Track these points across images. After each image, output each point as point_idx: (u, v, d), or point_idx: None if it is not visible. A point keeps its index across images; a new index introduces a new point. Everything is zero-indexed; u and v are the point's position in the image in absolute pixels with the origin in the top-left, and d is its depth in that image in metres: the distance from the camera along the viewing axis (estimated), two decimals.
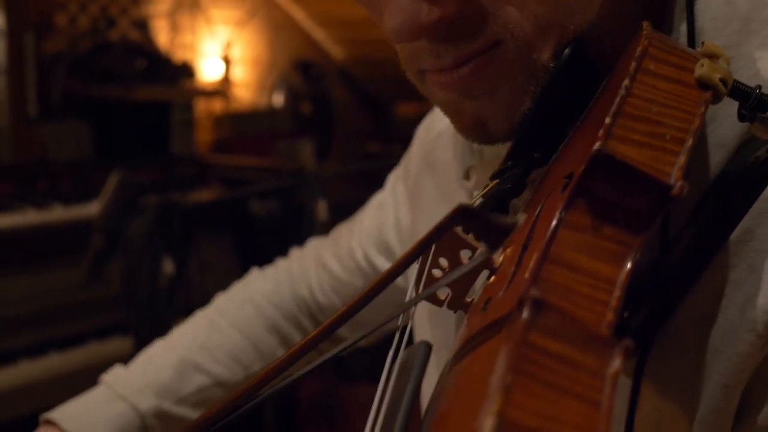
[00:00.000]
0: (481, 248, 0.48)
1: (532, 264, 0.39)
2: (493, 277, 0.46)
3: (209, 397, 1.00)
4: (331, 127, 3.04)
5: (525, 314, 0.34)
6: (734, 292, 0.52)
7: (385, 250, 0.98)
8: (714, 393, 0.53)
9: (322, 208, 1.84)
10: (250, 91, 3.11)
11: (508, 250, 0.46)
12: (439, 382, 0.45)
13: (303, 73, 3.10)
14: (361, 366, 2.32)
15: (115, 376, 1.01)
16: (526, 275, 0.38)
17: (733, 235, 0.52)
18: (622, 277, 0.38)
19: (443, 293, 0.54)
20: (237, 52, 3.09)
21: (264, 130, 2.95)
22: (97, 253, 1.78)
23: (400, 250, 0.93)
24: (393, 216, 0.97)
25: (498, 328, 0.37)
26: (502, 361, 0.34)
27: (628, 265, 0.39)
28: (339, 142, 3.06)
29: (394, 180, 0.99)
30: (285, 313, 1.07)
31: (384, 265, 0.96)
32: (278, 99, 3.09)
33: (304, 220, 1.87)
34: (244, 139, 2.91)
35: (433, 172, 0.87)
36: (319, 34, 3.19)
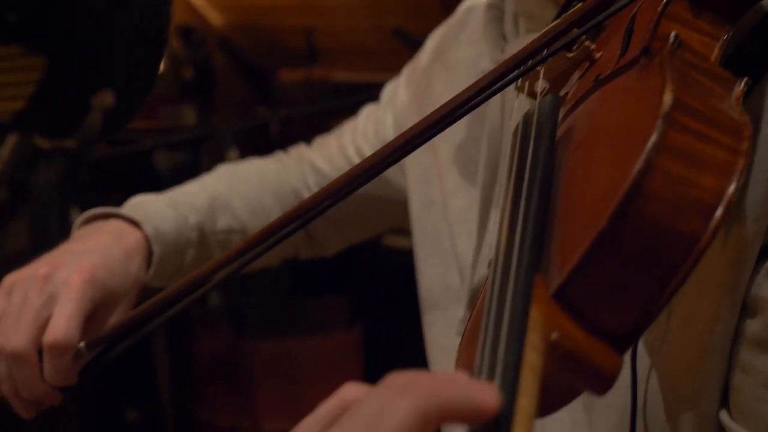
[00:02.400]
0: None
1: (653, 21, 0.49)
2: (592, 67, 0.55)
3: (231, 240, 1.01)
4: (213, 93, 3.02)
5: (671, 40, 0.45)
6: None
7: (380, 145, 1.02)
8: None
9: (233, 158, 1.85)
10: None
11: (609, 44, 0.56)
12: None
13: (183, 38, 3.06)
14: (259, 319, 2.35)
15: (151, 196, 1.00)
16: (649, 30, 0.49)
17: None
18: (723, 37, 0.52)
19: (541, 87, 0.61)
20: None
21: None
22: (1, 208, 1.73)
23: (410, 160, 0.98)
24: (392, 116, 1.02)
25: (638, 62, 0.48)
26: (659, 76, 0.44)
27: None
28: (222, 108, 3.05)
29: (393, 88, 1.04)
30: (283, 196, 1.09)
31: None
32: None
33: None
34: None
35: (446, 71, 0.92)
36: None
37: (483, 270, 0.84)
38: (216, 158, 1.82)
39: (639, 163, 0.42)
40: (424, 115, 0.95)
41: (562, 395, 0.46)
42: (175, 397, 2.20)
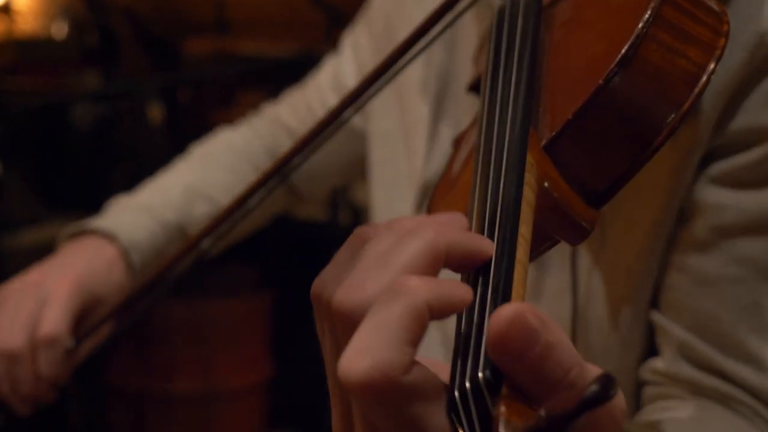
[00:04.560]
0: None
1: None
2: None
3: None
4: (117, 60, 2.98)
5: None
6: None
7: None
8: None
9: (156, 112, 1.84)
10: (34, 18, 2.99)
11: None
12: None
13: (87, 3, 3.01)
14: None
15: (127, 199, 1.04)
16: None
17: None
18: None
19: None
20: None
21: (48, 58, 2.85)
22: None
23: (377, 104, 1.00)
24: (354, 64, 1.04)
25: None
26: None
27: None
28: (126, 75, 3.01)
29: (352, 36, 1.06)
30: (258, 162, 1.11)
31: (346, 114, 1.02)
32: (62, 28, 2.99)
33: (136, 126, 1.87)
34: (28, 67, 2.79)
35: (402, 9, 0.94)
36: None
37: (429, 175, 0.87)
38: (137, 113, 1.81)
39: (636, 31, 0.47)
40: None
41: (539, 244, 0.50)
42: (83, 360, 2.18)
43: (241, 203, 0.78)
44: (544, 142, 0.49)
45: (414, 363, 0.37)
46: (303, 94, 1.11)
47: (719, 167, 0.66)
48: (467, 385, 0.37)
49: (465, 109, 0.85)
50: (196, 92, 2.70)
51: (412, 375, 0.36)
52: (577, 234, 0.49)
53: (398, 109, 0.94)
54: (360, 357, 0.36)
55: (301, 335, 2.52)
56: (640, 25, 0.48)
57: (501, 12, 0.62)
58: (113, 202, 1.04)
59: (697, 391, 0.69)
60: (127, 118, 1.91)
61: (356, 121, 1.02)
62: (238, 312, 2.34)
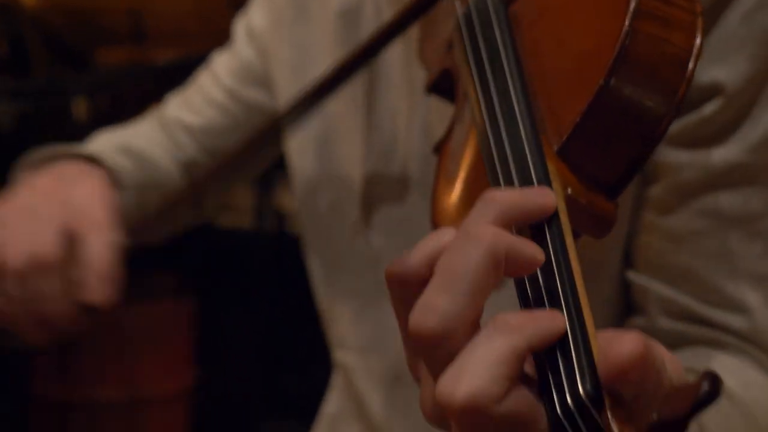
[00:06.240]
0: None
1: None
2: None
3: (147, 182, 1.01)
4: (29, 70, 2.93)
5: None
6: None
7: (250, 78, 1.03)
8: None
9: (80, 108, 1.78)
10: None
11: None
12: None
13: None
14: None
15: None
16: None
17: None
18: None
19: None
20: None
21: None
22: None
23: (265, 74, 0.99)
24: (252, 49, 1.01)
25: None
26: None
27: None
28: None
29: (243, 23, 1.04)
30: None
31: (258, 96, 1.02)
32: None
33: (61, 124, 1.82)
34: None
35: None
36: None
37: (373, 165, 0.88)
38: (62, 109, 1.77)
39: (624, 28, 0.50)
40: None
41: None
42: (4, 370, 2.14)
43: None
44: (556, 147, 0.50)
45: (511, 390, 0.39)
46: (203, 93, 1.05)
47: (673, 128, 0.71)
48: (569, 401, 0.39)
49: (406, 95, 0.86)
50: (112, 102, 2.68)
51: (506, 404, 0.39)
52: (602, 228, 0.51)
53: (317, 116, 0.92)
54: (458, 385, 0.39)
55: (225, 342, 2.52)
56: (627, 20, 0.50)
57: (467, 17, 0.63)
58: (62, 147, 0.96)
59: (683, 341, 0.73)
60: (50, 115, 1.87)
61: (260, 97, 1.00)
62: (159, 318, 2.33)
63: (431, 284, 0.42)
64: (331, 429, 1.00)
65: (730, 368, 0.71)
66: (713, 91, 0.69)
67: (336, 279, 0.95)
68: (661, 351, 0.41)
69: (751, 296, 0.71)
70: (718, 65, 0.69)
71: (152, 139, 1.04)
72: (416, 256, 0.44)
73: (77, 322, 0.80)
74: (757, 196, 0.71)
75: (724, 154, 0.70)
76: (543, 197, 0.46)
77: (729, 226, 0.71)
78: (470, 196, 0.55)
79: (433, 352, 0.41)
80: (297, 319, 2.45)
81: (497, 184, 0.51)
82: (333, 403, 1.01)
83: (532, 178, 0.49)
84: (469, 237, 0.42)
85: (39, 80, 2.05)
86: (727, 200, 0.71)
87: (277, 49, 0.96)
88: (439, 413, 0.43)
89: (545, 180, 0.48)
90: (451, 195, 0.61)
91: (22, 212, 0.79)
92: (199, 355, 2.40)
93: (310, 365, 1.80)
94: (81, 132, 2.10)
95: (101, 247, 0.78)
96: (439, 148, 0.68)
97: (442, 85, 0.72)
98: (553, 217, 0.46)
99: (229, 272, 2.46)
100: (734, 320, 0.72)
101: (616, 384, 0.38)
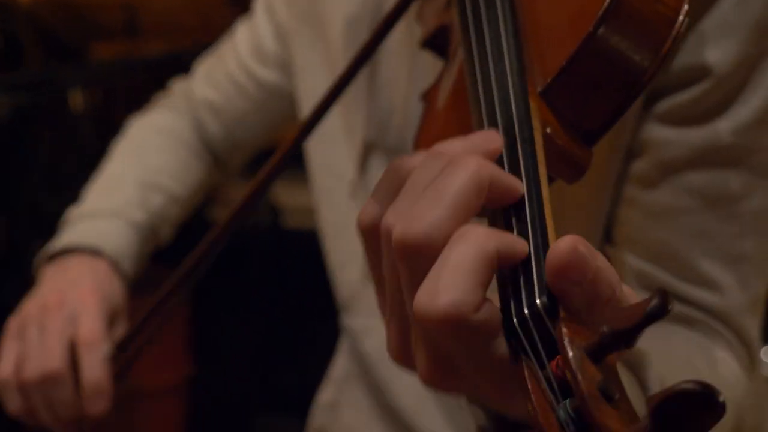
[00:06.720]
0: None
1: None
2: None
3: (170, 213, 1.04)
4: (21, 64, 2.93)
5: None
6: None
7: (267, 60, 1.04)
8: None
9: (78, 100, 1.78)
10: None
11: None
12: None
13: None
14: None
15: (85, 206, 1.02)
16: None
17: None
18: None
19: None
20: None
21: None
22: None
23: (283, 54, 1.01)
24: (270, 26, 1.04)
25: None
26: None
27: None
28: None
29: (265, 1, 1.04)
30: (191, 146, 1.10)
31: (269, 76, 1.04)
32: None
33: (58, 115, 1.81)
34: None
35: None
36: None
37: (371, 133, 0.90)
38: (58, 101, 1.76)
39: None
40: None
41: None
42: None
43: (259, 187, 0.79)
44: (540, 88, 0.52)
45: (483, 301, 0.42)
46: (220, 65, 1.09)
47: (662, 105, 0.72)
48: (525, 311, 0.42)
49: (406, 65, 0.87)
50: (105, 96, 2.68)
51: (482, 313, 0.42)
52: (574, 173, 0.53)
53: (326, 66, 0.94)
54: (438, 296, 0.41)
55: (221, 336, 2.52)
56: None
57: None
58: (71, 215, 1.02)
59: None
60: (46, 107, 1.87)
61: (275, 79, 1.03)
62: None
63: (420, 200, 0.44)
64: (338, 392, 1.01)
65: (700, 346, 0.72)
66: (703, 72, 0.70)
67: (341, 242, 0.98)
68: (602, 258, 0.43)
69: (724, 276, 0.73)
70: (710, 48, 0.70)
71: (176, 119, 1.09)
72: (375, 198, 0.47)
73: (96, 409, 0.90)
74: (739, 177, 0.72)
75: (709, 134, 0.71)
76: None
77: (708, 206, 0.72)
78: (452, 133, 0.56)
79: (415, 262, 0.43)
80: (292, 313, 2.46)
81: (480, 119, 0.52)
82: (340, 367, 1.03)
83: (512, 114, 0.50)
84: (458, 163, 0.44)
85: (35, 72, 2.05)
86: (709, 180, 0.72)
87: (296, 31, 0.98)
88: (406, 348, 0.46)
89: (525, 117, 0.50)
90: (433, 131, 0.64)
91: (34, 326, 0.89)
92: (195, 349, 2.40)
93: (305, 359, 1.81)
94: (77, 124, 2.11)
95: (92, 367, 0.88)
96: (426, 96, 0.70)
97: (437, 41, 0.73)
98: (529, 159, 0.48)
99: (224, 267, 2.46)
100: (706, 297, 0.73)
101: (559, 285, 0.41)
